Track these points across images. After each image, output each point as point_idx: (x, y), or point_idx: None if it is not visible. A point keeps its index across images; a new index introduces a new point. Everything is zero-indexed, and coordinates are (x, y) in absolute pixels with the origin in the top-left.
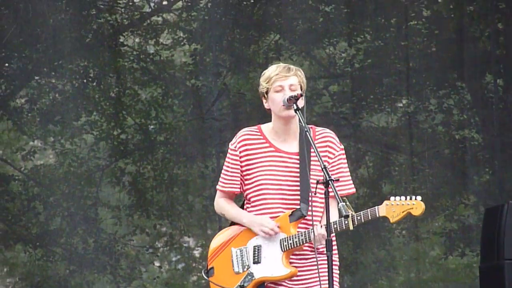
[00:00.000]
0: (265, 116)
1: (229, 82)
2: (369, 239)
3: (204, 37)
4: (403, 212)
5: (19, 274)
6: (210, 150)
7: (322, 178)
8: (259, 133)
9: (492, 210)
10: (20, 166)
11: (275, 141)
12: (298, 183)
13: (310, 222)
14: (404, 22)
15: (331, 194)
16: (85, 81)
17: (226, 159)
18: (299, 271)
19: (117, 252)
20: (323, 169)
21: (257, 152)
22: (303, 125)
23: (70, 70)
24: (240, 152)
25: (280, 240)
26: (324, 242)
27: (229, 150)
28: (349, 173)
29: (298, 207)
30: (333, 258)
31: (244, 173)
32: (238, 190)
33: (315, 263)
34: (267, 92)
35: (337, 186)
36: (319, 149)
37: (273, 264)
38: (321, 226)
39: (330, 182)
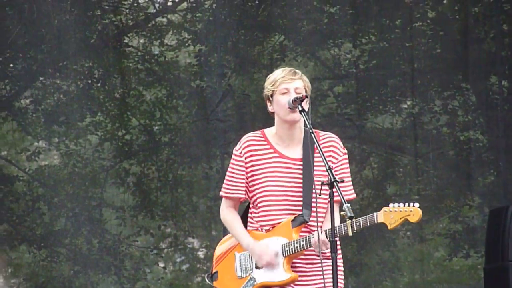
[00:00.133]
0: (270, 117)
1: (233, 83)
2: (374, 240)
3: (209, 38)
4: (400, 218)
5: (23, 275)
6: (214, 151)
7: (326, 179)
8: (263, 138)
9: (496, 212)
10: (24, 167)
11: (279, 146)
12: (301, 189)
13: (312, 228)
14: (409, 23)
15: (335, 197)
16: (89, 82)
17: (230, 165)
18: (305, 275)
19: (122, 252)
20: (328, 171)
21: (261, 158)
22: (308, 126)
23: (75, 70)
24: (245, 158)
25: (282, 245)
26: (324, 248)
27: (233, 156)
28: (350, 178)
29: (301, 212)
30: (338, 263)
31: (249, 178)
32: (243, 196)
33: (320, 267)
34: (272, 95)
35: None
36: (323, 152)
37: (274, 269)
38: (322, 232)
39: (335, 183)
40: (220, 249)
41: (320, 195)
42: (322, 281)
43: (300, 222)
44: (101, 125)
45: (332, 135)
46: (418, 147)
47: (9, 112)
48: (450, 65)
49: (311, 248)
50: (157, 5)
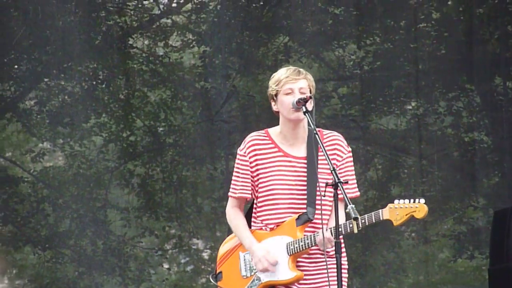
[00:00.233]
0: (274, 118)
1: (238, 84)
2: (378, 241)
3: (213, 39)
4: (406, 215)
5: (28, 276)
6: (219, 152)
7: (331, 180)
8: (267, 138)
9: (501, 213)
10: (29, 168)
11: (283, 145)
12: (306, 187)
13: (317, 226)
14: (413, 24)
15: (339, 196)
16: (94, 83)
17: (236, 165)
18: (309, 274)
19: (126, 254)
20: (332, 171)
21: (266, 157)
22: (312, 127)
23: (79, 72)
24: (249, 158)
25: (287, 244)
26: (329, 246)
27: (238, 156)
28: (354, 177)
29: (305, 211)
30: (342, 262)
31: (254, 178)
32: (249, 195)
33: (325, 266)
34: (276, 95)
35: None
36: (327, 152)
37: (280, 268)
38: (327, 230)
39: (339, 184)
40: (223, 248)
41: (324, 196)
42: (326, 279)
43: (304, 220)
44: (105, 126)
45: (335, 133)
46: (422, 148)
47: (14, 113)
48: (455, 66)
49: (316, 247)
50: (161, 6)
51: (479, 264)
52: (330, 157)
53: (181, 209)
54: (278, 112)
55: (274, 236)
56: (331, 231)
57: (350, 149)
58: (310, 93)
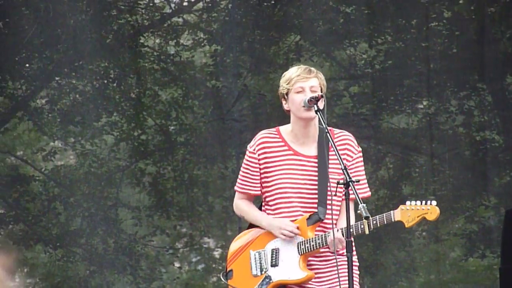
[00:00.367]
0: (286, 117)
1: (249, 83)
2: (389, 240)
3: (225, 38)
4: (418, 217)
5: (39, 275)
6: (230, 151)
7: (342, 179)
8: (277, 136)
9: None
10: (40, 167)
11: (294, 143)
12: (316, 187)
13: (327, 226)
14: (425, 23)
15: (350, 196)
16: (105, 81)
17: (244, 161)
18: (320, 273)
19: (137, 252)
20: (344, 170)
21: (276, 155)
22: (324, 126)
23: (91, 70)
24: (258, 155)
25: (298, 243)
26: (340, 246)
27: (247, 153)
28: (365, 176)
29: (316, 210)
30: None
31: (263, 175)
32: (258, 192)
33: (335, 264)
34: (287, 94)
35: None
36: (338, 151)
37: (290, 267)
38: (338, 230)
39: (350, 183)
40: (234, 245)
41: (335, 194)
42: (336, 278)
43: (315, 220)
44: (116, 125)
45: (346, 133)
46: (434, 147)
47: (25, 112)
48: (466, 65)
49: (326, 246)
50: (173, 5)
51: (490, 263)
52: (341, 157)
53: (192, 208)
54: (289, 111)
55: None
56: (342, 231)
57: (360, 149)
58: (321, 91)
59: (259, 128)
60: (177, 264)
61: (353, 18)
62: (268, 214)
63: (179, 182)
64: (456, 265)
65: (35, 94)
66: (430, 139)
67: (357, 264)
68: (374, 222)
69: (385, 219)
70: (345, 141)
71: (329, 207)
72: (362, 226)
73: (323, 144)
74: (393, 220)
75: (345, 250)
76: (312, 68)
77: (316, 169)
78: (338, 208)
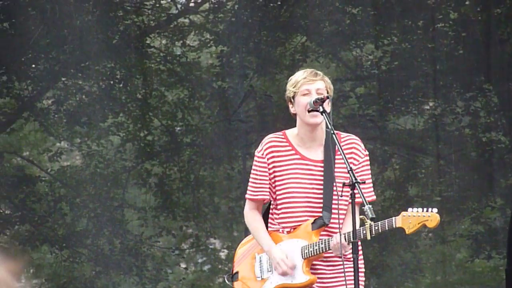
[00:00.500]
0: (292, 118)
1: (255, 84)
2: (395, 241)
3: (231, 39)
4: (418, 223)
5: (45, 275)
6: (236, 152)
7: (348, 180)
8: (284, 140)
9: None
10: (46, 167)
11: (301, 147)
12: (322, 191)
13: (331, 230)
14: (431, 24)
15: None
16: (111, 82)
17: (254, 167)
18: (326, 277)
19: (143, 253)
20: (350, 172)
21: (283, 159)
22: (330, 128)
23: (97, 71)
24: (268, 160)
25: (301, 247)
26: (343, 252)
27: (255, 158)
28: (371, 180)
29: (321, 215)
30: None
31: (272, 180)
32: (268, 197)
33: (342, 269)
34: (293, 97)
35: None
36: (344, 154)
37: (294, 271)
38: (341, 235)
39: (356, 184)
40: (241, 250)
41: (341, 197)
42: (343, 283)
43: (320, 224)
44: (123, 125)
45: (353, 136)
46: (440, 148)
47: (31, 112)
48: (472, 66)
49: (330, 251)
50: (179, 6)
51: (496, 265)
52: (348, 160)
53: (198, 208)
54: (295, 114)
55: (289, 239)
56: (345, 236)
57: (367, 152)
58: (327, 94)
59: (265, 129)
60: (183, 265)
61: (359, 19)
62: (275, 217)
63: (185, 183)
64: (462, 266)
65: (41, 95)
66: (436, 140)
67: (363, 270)
68: (376, 228)
69: (386, 225)
70: (351, 144)
71: (334, 211)
72: (364, 232)
73: (330, 148)
74: (394, 226)
75: (351, 254)
76: (319, 72)
77: (322, 173)
78: (344, 213)
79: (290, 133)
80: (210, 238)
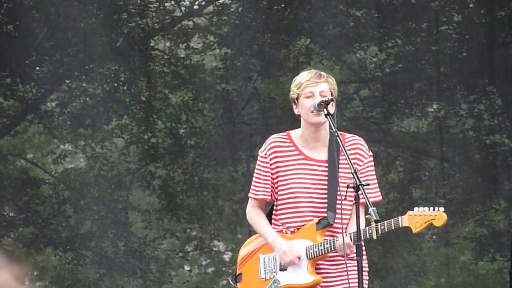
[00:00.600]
0: (296, 120)
1: (259, 87)
2: (399, 244)
3: (235, 41)
4: (425, 222)
5: (49, 278)
6: (240, 154)
7: (352, 182)
8: (288, 140)
9: None
10: (50, 170)
11: (304, 148)
12: (326, 191)
13: (335, 231)
14: (435, 27)
15: (360, 200)
16: (115, 85)
17: (257, 167)
18: (330, 277)
19: (147, 256)
20: (354, 174)
21: (287, 159)
22: (334, 130)
23: (101, 74)
24: (270, 160)
25: (306, 247)
26: (348, 251)
27: (259, 158)
28: (376, 181)
29: (326, 215)
30: (363, 264)
31: (275, 180)
32: (270, 197)
33: (345, 269)
34: (297, 98)
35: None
36: (348, 155)
37: (298, 271)
38: (346, 235)
39: (360, 187)
40: (244, 250)
41: (345, 198)
42: (346, 282)
43: (324, 225)
44: (127, 128)
45: (357, 137)
46: (444, 150)
47: (35, 115)
48: (476, 69)
49: (335, 251)
50: (183, 9)
51: (500, 267)
52: (351, 161)
53: (202, 211)
54: (299, 115)
55: (294, 239)
56: (350, 236)
57: (371, 153)
58: (332, 96)
59: (269, 131)
60: (187, 267)
61: (363, 22)
62: (279, 218)
63: (189, 185)
64: (466, 269)
65: (45, 97)
66: (440, 143)
67: (367, 269)
68: (382, 227)
69: (393, 225)
70: (356, 145)
71: (338, 211)
72: (370, 231)
73: (334, 148)
74: (400, 225)
75: (355, 254)
76: (323, 73)
77: (326, 173)
78: (349, 213)
79: (294, 133)
80: (214, 241)
